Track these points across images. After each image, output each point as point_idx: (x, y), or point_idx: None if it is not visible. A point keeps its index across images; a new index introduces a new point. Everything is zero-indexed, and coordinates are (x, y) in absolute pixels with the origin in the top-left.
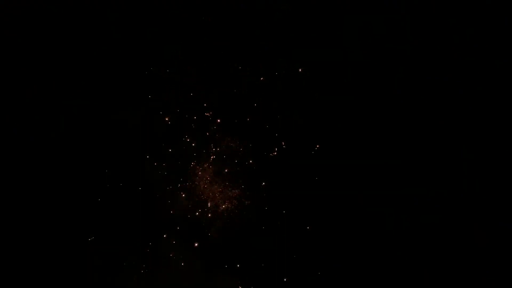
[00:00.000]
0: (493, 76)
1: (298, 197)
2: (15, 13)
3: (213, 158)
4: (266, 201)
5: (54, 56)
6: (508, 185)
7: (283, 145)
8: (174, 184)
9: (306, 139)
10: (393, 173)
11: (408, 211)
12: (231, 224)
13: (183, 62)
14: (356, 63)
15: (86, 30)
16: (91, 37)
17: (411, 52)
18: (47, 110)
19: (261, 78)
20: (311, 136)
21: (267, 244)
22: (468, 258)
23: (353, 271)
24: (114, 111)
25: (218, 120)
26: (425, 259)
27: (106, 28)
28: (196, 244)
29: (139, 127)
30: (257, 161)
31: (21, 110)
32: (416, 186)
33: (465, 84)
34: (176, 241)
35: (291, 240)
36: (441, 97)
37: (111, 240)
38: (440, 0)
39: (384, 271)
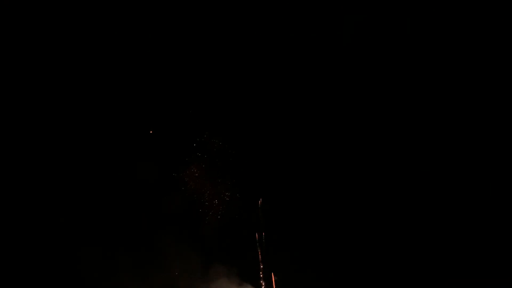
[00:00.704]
0: (493, 76)
1: (291, 197)
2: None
3: (204, 159)
4: (258, 200)
5: (49, 57)
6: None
7: (274, 146)
8: (168, 185)
9: (299, 140)
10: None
11: (406, 212)
12: (224, 222)
13: (177, 64)
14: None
15: (85, 33)
16: (89, 40)
17: (411, 52)
18: (43, 111)
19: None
20: (305, 136)
21: (260, 241)
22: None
23: (348, 270)
24: (109, 112)
25: (210, 122)
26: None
27: (106, 33)
28: (190, 243)
29: (134, 129)
30: (249, 162)
31: (17, 110)
32: (416, 187)
33: (465, 84)
34: (171, 240)
35: (283, 238)
36: (440, 97)
37: (107, 239)
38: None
39: (382, 271)
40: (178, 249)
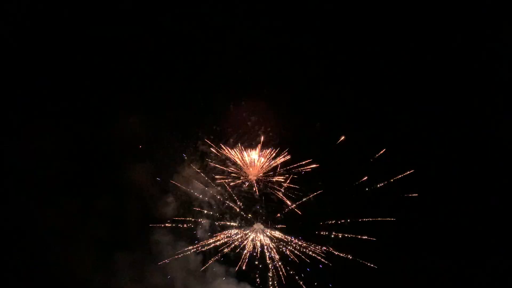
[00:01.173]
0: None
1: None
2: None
3: (196, 160)
4: (251, 198)
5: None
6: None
7: (266, 144)
8: (162, 185)
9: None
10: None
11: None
12: (217, 222)
13: (173, 67)
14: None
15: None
16: (87, 45)
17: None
18: (36, 113)
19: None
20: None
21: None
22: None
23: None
24: (106, 115)
25: (201, 125)
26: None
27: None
28: (185, 243)
29: (129, 132)
30: (239, 161)
31: (10, 111)
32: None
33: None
34: (166, 240)
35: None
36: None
37: (103, 240)
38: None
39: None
40: (175, 251)
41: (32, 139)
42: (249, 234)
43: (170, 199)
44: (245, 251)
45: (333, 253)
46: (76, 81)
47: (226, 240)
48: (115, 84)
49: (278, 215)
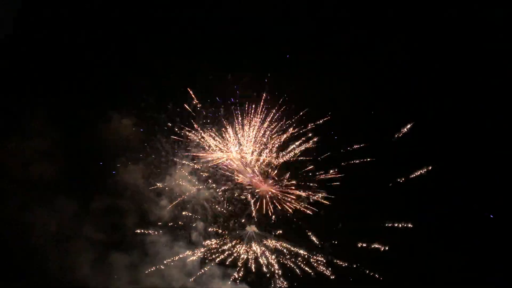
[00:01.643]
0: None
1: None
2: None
3: (188, 160)
4: (244, 198)
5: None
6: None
7: (258, 144)
8: (154, 187)
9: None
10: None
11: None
12: (211, 222)
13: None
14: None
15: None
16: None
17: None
18: (31, 115)
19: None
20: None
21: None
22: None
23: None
24: (99, 117)
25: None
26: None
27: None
28: (181, 244)
29: (123, 134)
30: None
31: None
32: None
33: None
34: (161, 241)
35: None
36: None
37: (99, 240)
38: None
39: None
40: (172, 252)
41: (27, 140)
42: (243, 238)
43: (164, 202)
44: (240, 257)
45: (334, 262)
46: (67, 82)
47: (220, 245)
48: (107, 86)
49: (274, 217)
